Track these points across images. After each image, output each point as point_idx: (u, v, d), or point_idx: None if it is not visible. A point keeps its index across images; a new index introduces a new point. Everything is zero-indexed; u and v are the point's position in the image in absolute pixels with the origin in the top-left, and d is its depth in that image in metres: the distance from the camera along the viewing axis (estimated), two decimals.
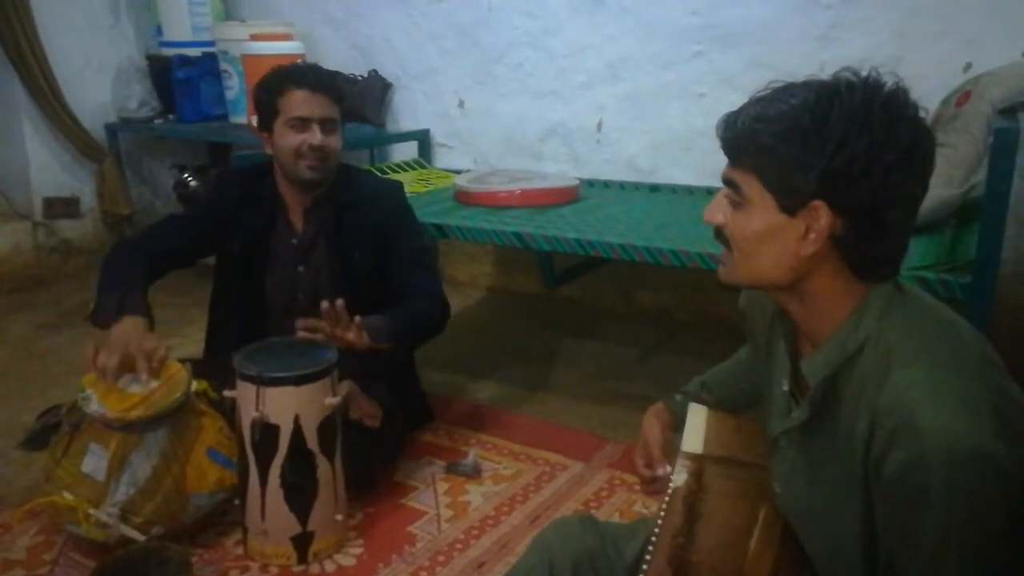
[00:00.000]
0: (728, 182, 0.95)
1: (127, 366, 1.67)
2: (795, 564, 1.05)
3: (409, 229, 2.13)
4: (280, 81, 1.96)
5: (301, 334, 1.72)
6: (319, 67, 2.08)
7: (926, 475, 0.80)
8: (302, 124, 1.93)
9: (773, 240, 0.91)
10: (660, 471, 1.24)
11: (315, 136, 1.93)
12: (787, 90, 0.91)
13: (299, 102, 1.93)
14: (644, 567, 1.05)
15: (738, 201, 0.93)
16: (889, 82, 0.88)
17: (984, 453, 0.79)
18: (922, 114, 0.88)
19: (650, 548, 1.06)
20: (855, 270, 0.91)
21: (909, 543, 0.84)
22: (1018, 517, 0.82)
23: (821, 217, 0.88)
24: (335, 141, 1.97)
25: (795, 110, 0.88)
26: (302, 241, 2.05)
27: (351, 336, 1.72)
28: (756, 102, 0.92)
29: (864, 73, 0.89)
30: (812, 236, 0.89)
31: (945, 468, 0.79)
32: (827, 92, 0.88)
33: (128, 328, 1.72)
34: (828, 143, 0.85)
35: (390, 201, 2.13)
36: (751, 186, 0.91)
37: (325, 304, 1.69)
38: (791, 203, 0.89)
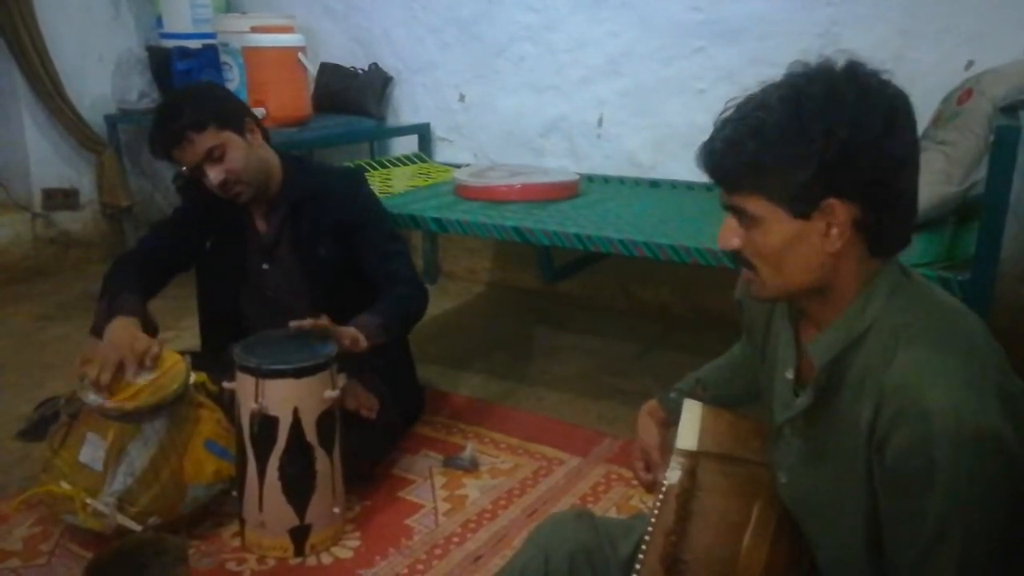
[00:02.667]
0: (731, 208, 0.94)
1: (120, 370, 1.69)
2: (789, 562, 1.05)
3: (372, 217, 2.09)
4: (161, 148, 1.90)
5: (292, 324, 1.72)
6: (177, 106, 1.89)
7: (932, 455, 0.80)
8: (198, 171, 1.90)
9: (797, 247, 0.91)
10: (661, 476, 1.24)
11: (209, 177, 1.89)
12: (748, 103, 0.91)
13: (181, 158, 1.89)
14: (637, 566, 1.05)
15: (749, 223, 0.93)
16: (840, 60, 0.88)
17: (991, 433, 0.80)
18: (885, 76, 0.89)
19: (643, 547, 1.06)
20: (874, 247, 0.91)
21: (912, 525, 0.84)
22: (1022, 500, 0.82)
23: (837, 211, 0.88)
24: (232, 161, 1.88)
25: (766, 119, 0.87)
26: (264, 241, 2.05)
27: (347, 344, 1.73)
28: (724, 125, 0.92)
29: (813, 61, 0.89)
30: (835, 231, 0.89)
31: (952, 448, 0.79)
32: (789, 90, 0.88)
33: (118, 329, 1.74)
34: (814, 138, 0.85)
35: (347, 191, 2.08)
36: (757, 205, 0.91)
37: (294, 324, 1.70)
38: (802, 207, 0.89)
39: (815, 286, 0.93)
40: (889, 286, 0.92)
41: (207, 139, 1.86)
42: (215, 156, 1.87)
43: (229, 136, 1.89)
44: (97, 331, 1.79)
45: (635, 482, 1.34)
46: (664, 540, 1.04)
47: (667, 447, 1.18)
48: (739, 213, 0.93)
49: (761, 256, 0.94)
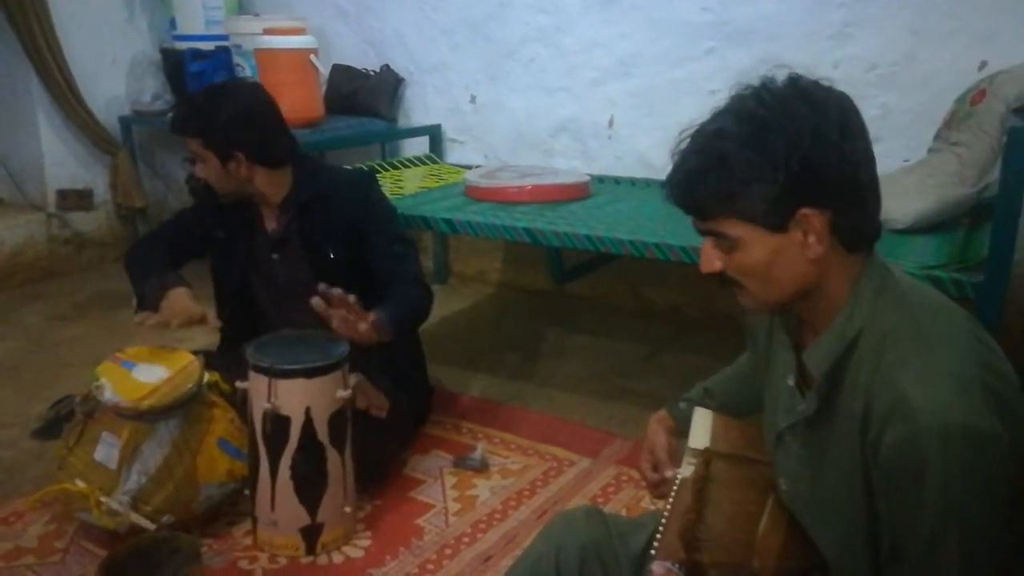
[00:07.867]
0: (709, 234, 0.96)
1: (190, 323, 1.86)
2: (803, 546, 1.06)
3: (381, 218, 2.11)
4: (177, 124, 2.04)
5: (314, 301, 1.69)
6: (195, 103, 2.05)
7: (922, 453, 0.81)
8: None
9: (780, 259, 0.92)
10: (668, 474, 1.25)
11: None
12: (704, 132, 0.93)
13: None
14: (655, 543, 1.07)
15: (729, 245, 0.94)
16: (780, 75, 0.91)
17: (979, 429, 0.80)
18: (825, 83, 0.92)
19: (660, 530, 1.08)
20: (847, 244, 0.93)
21: (909, 524, 0.85)
22: (1016, 498, 0.82)
23: (812, 220, 0.89)
24: (202, 170, 1.99)
25: (727, 145, 0.90)
26: (273, 236, 2.08)
27: (362, 328, 1.72)
28: (685, 158, 0.94)
29: (754, 81, 0.92)
30: (812, 239, 0.90)
31: (941, 445, 0.80)
32: (743, 112, 0.90)
33: (178, 295, 1.88)
34: (776, 155, 0.87)
35: (356, 193, 2.10)
36: (733, 227, 0.92)
37: (323, 287, 1.68)
38: (777, 221, 0.90)
39: (805, 290, 0.95)
40: (874, 289, 0.93)
41: (192, 145, 1.99)
42: (193, 159, 2.01)
43: (209, 155, 1.97)
44: (145, 303, 1.90)
45: (644, 483, 1.35)
46: (683, 518, 1.07)
47: (677, 454, 1.20)
48: (717, 236, 0.95)
49: (747, 274, 0.95)
